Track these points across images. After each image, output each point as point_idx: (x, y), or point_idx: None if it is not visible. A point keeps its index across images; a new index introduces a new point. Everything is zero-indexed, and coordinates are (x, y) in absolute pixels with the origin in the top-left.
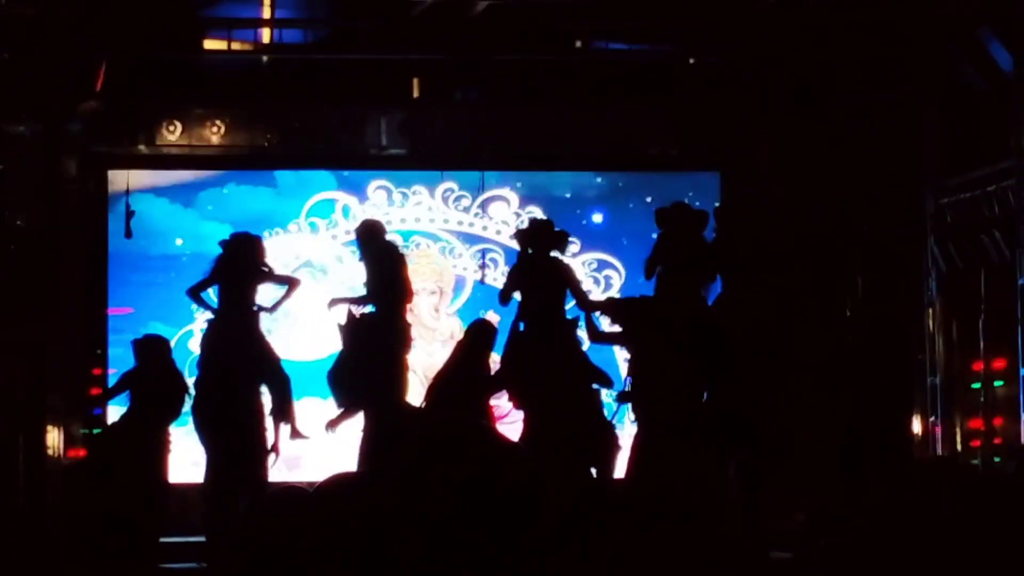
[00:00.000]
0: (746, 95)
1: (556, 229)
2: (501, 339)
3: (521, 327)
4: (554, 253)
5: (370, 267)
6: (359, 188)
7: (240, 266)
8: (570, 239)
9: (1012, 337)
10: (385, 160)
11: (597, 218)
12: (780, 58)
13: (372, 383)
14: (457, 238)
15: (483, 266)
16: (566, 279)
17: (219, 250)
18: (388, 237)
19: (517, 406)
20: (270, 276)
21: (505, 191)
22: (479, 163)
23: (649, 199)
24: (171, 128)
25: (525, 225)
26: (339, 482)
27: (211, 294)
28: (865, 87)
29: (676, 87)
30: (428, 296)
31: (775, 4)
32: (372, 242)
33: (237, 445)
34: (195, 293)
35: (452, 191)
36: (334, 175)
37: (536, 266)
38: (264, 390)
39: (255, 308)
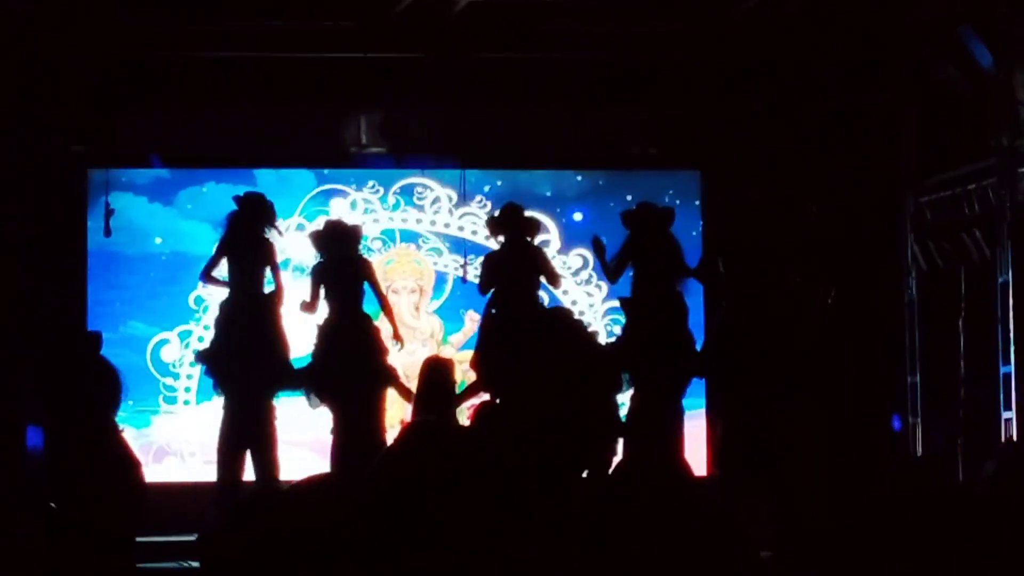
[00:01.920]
0: (726, 96)
1: (527, 215)
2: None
3: (494, 313)
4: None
5: (341, 271)
6: (341, 187)
7: (249, 233)
8: (542, 227)
9: (992, 335)
10: (365, 159)
11: (577, 216)
12: (759, 60)
13: (346, 387)
14: (439, 238)
15: (465, 263)
16: (538, 264)
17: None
18: (363, 239)
19: (488, 391)
20: (273, 262)
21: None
22: (459, 162)
23: (630, 197)
24: (150, 127)
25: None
26: (314, 483)
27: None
28: (845, 86)
29: (656, 86)
30: (408, 294)
31: (754, 7)
32: (347, 247)
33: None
34: (207, 274)
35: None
36: (315, 174)
37: (509, 253)
38: None
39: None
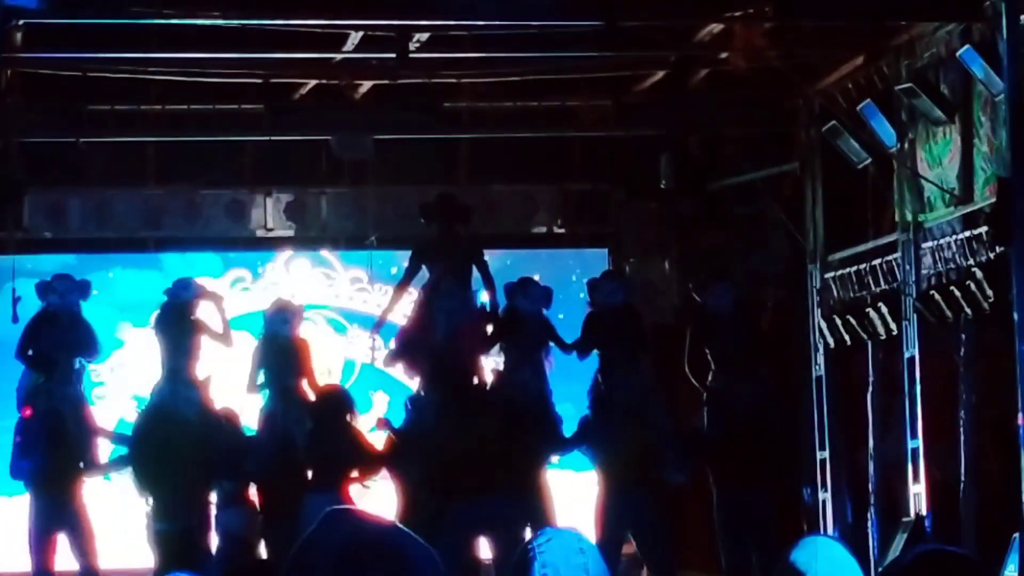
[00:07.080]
0: (632, 174)
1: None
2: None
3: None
4: None
5: (280, 352)
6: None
7: (174, 323)
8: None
9: (899, 410)
10: (271, 242)
11: (484, 297)
12: (664, 137)
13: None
14: (343, 316)
15: (373, 346)
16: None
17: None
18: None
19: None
20: (209, 331)
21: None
22: (367, 243)
23: (537, 276)
24: (54, 214)
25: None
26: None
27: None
28: (749, 164)
29: (562, 164)
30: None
31: (657, 84)
32: (287, 327)
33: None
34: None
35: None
36: (221, 256)
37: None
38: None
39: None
